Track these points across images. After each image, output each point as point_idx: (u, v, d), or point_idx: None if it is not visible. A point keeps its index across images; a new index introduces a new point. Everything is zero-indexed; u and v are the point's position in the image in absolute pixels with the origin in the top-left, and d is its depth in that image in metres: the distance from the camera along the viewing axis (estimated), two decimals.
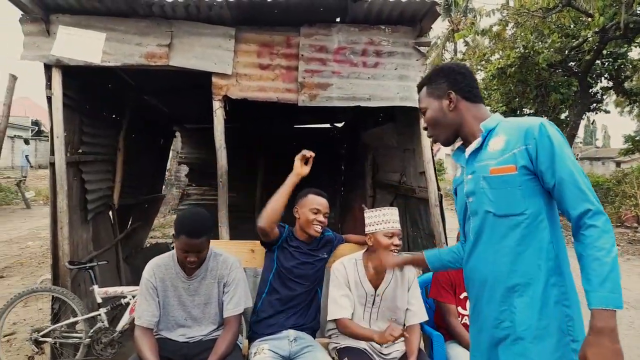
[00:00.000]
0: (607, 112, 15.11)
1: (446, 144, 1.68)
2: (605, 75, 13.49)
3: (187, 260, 2.19)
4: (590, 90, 13.63)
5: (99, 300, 3.31)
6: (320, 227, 2.54)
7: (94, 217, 4.16)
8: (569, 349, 1.39)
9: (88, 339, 3.22)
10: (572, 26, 11.64)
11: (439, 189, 3.63)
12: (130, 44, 3.41)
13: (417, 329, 2.47)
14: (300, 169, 2.44)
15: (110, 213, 4.85)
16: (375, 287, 2.46)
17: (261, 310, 2.53)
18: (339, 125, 7.37)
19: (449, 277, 2.60)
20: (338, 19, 3.58)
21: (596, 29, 10.32)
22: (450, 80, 1.61)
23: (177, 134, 7.80)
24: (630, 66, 13.21)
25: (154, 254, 2.47)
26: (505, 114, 14.61)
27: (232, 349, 2.25)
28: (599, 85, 14.13)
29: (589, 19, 10.35)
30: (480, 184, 1.51)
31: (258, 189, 7.22)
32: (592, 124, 24.61)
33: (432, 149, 3.66)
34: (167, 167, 9.88)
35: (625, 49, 12.43)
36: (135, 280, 5.31)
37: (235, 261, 2.42)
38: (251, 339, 2.51)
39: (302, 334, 2.48)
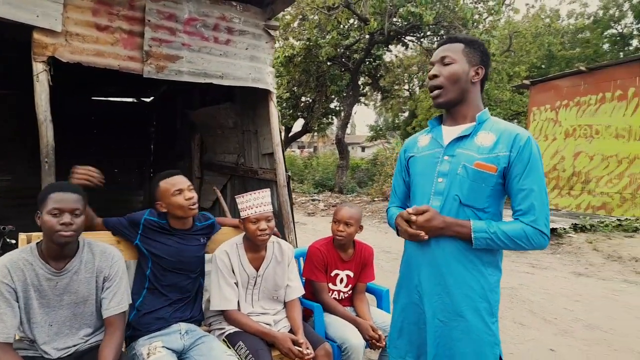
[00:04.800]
0: (366, 104, 17.98)
1: (444, 104, 1.66)
2: (366, 73, 16.00)
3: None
4: (360, 85, 15.97)
5: None
6: (195, 205, 2.33)
7: None
8: None
9: None
10: (345, 26, 13.36)
11: (286, 170, 3.79)
12: None
13: (298, 303, 2.61)
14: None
15: None
16: (257, 269, 2.48)
17: (143, 305, 2.25)
18: (147, 100, 6.68)
19: (322, 258, 2.72)
20: None
21: (367, 33, 12.12)
22: (485, 58, 1.64)
23: None
24: (384, 67, 16.06)
25: None
26: (288, 100, 15.79)
27: (119, 354, 1.95)
28: (361, 80, 16.67)
29: (362, 23, 12.08)
30: (458, 170, 1.58)
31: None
32: (355, 114, 28.82)
33: (280, 132, 3.79)
34: None
35: (381, 52, 14.98)
36: None
37: (117, 251, 2.09)
38: (132, 337, 2.21)
39: (192, 326, 2.33)
